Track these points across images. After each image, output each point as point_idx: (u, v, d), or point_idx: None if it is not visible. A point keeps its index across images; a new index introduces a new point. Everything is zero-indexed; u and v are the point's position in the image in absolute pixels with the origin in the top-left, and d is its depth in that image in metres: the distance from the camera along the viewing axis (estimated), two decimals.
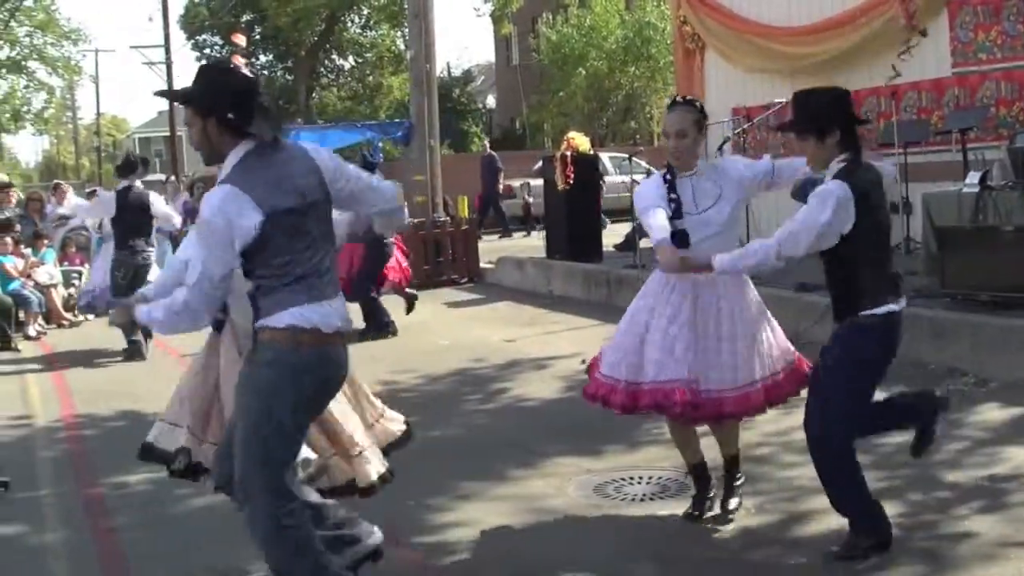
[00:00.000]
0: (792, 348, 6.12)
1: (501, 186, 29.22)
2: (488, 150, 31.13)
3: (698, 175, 5.89)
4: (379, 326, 13.43)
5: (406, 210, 5.41)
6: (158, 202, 13.31)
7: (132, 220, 12.66)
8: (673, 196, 5.82)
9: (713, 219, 5.81)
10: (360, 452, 5.55)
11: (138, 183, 12.93)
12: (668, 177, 5.89)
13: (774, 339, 6.02)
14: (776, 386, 5.93)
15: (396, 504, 6.71)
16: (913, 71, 14.63)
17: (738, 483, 6.30)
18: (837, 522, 5.64)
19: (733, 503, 6.20)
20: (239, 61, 19.67)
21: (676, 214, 5.77)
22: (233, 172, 4.48)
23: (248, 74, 4.66)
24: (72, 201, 18.81)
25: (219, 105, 4.50)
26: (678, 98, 6.06)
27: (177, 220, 14.34)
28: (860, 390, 5.34)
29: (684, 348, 5.73)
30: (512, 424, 8.84)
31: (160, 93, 4.43)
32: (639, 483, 6.96)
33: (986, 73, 13.79)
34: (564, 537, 6.14)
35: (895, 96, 14.60)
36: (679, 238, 5.64)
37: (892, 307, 5.27)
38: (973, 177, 10.55)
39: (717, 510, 6.19)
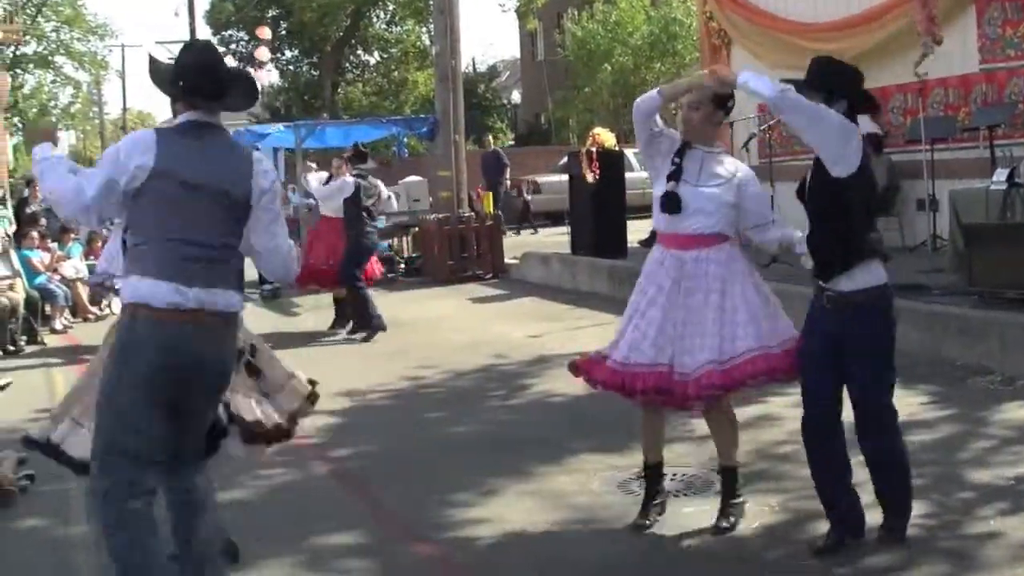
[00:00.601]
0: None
1: (509, 182, 29.17)
2: (493, 146, 31.01)
3: (713, 154, 5.88)
4: (365, 321, 13.27)
5: (291, 275, 5.38)
6: None
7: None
8: (676, 160, 5.80)
9: (709, 196, 5.77)
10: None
11: None
12: (680, 145, 5.85)
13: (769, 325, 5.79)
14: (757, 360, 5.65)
15: (420, 499, 6.74)
16: (940, 67, 14.54)
17: (735, 501, 6.01)
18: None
19: (725, 522, 5.91)
20: (262, 55, 19.83)
21: (674, 176, 5.77)
22: (166, 126, 4.83)
23: (203, 51, 4.88)
24: None
25: (173, 76, 4.74)
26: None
27: None
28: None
29: (656, 331, 5.74)
30: (536, 420, 8.84)
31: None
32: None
33: (1014, 69, 13.70)
34: (587, 533, 6.13)
35: (922, 92, 14.53)
36: (670, 200, 5.72)
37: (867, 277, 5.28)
38: (1000, 174, 10.50)
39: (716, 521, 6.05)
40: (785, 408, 8.01)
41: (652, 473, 6.15)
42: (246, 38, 48.90)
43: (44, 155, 4.73)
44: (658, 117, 5.91)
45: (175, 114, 4.84)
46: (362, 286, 13.29)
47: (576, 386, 9.75)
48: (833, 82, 5.36)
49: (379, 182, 14.39)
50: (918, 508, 5.80)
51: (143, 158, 4.50)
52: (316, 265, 13.61)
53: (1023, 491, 6.25)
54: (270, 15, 47.61)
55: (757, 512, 6.16)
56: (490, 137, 29.29)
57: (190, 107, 4.72)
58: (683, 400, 5.78)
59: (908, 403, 8.02)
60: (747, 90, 5.44)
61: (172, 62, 4.86)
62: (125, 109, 70.74)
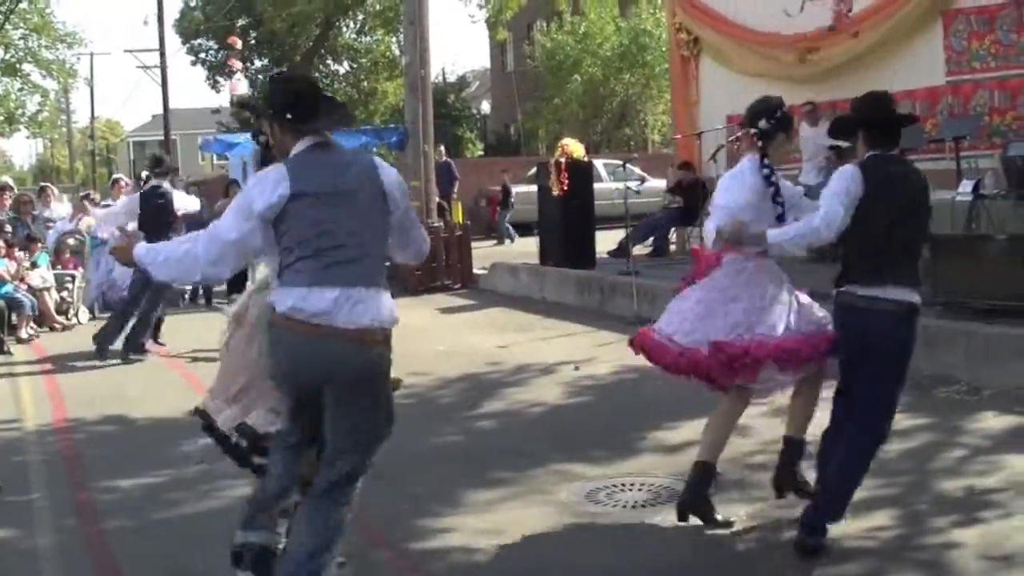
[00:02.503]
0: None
1: (455, 194, 29.04)
2: (444, 157, 30.87)
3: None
4: None
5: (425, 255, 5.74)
6: (177, 197, 13.48)
7: (154, 217, 12.82)
8: (774, 179, 6.16)
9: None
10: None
11: (165, 183, 13.18)
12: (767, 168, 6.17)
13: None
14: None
15: (394, 509, 6.73)
16: (908, 79, 14.66)
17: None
18: (834, 531, 5.66)
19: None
20: (235, 64, 19.90)
21: (777, 194, 6.14)
22: (287, 159, 4.88)
23: (304, 81, 5.14)
24: (61, 205, 18.90)
25: (278, 108, 4.94)
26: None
27: (196, 204, 14.30)
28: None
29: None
30: (506, 430, 8.83)
31: (237, 104, 5.19)
32: (631, 490, 6.96)
33: (980, 82, 13.82)
34: (552, 543, 6.14)
35: None
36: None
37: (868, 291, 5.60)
38: (966, 185, 10.58)
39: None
40: (758, 419, 8.05)
41: (710, 471, 6.29)
42: (215, 47, 48.77)
43: (151, 255, 4.97)
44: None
45: (274, 139, 5.07)
46: None
47: (545, 396, 9.81)
48: (845, 130, 5.91)
49: None
50: (890, 515, 5.83)
51: (278, 190, 4.70)
52: None
53: (993, 500, 6.30)
54: (240, 24, 47.42)
55: (735, 519, 6.19)
56: (442, 148, 29.14)
57: (299, 134, 4.92)
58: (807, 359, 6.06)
59: None
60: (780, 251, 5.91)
61: (270, 94, 5.04)
62: (93, 117, 70.21)
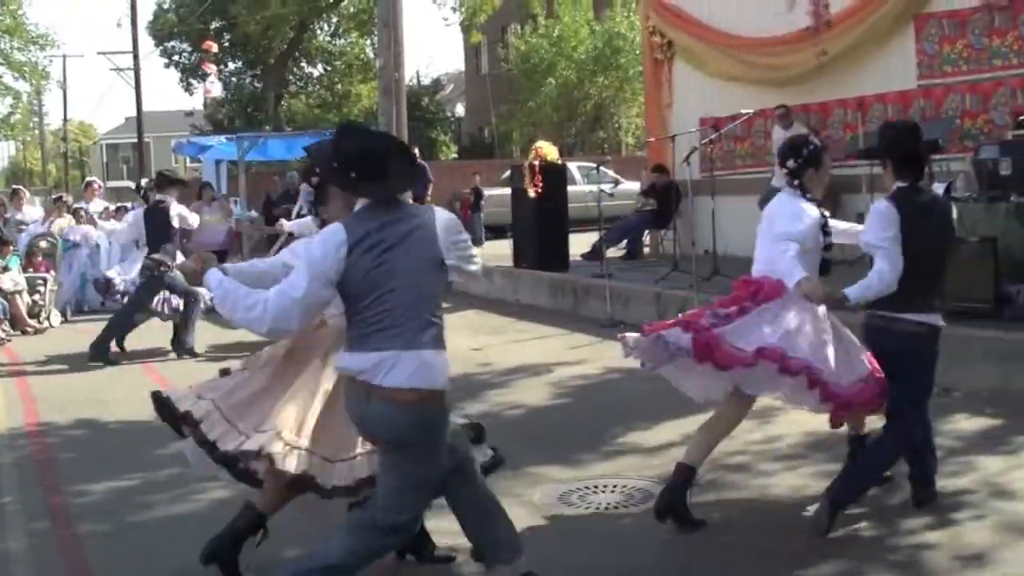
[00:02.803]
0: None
1: (429, 197, 29.04)
2: (418, 160, 30.85)
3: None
4: None
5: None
6: (180, 212, 13.36)
7: (158, 232, 12.87)
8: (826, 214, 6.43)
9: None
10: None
11: (168, 198, 13.10)
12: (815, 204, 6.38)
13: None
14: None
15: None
16: (879, 83, 14.74)
17: None
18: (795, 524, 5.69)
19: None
20: (209, 67, 19.99)
21: (825, 228, 6.34)
22: (350, 216, 4.84)
23: (376, 137, 4.94)
24: (34, 208, 18.85)
25: (342, 163, 4.75)
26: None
27: (195, 220, 14.29)
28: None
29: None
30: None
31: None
32: (604, 492, 6.96)
33: (952, 86, 13.89)
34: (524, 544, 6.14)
35: (861, 108, 14.70)
36: (824, 267, 6.37)
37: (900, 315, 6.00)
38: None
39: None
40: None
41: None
42: (189, 49, 48.60)
43: (222, 285, 4.90)
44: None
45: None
46: None
47: (518, 398, 9.81)
48: (877, 154, 6.51)
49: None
50: (864, 518, 5.86)
51: (340, 251, 4.64)
52: None
53: (967, 501, 6.33)
54: (213, 27, 47.27)
55: (712, 522, 6.20)
56: (416, 150, 29.11)
57: (360, 193, 4.88)
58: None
59: None
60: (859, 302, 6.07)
61: (335, 143, 4.83)
62: (66, 120, 69.87)
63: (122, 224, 16.01)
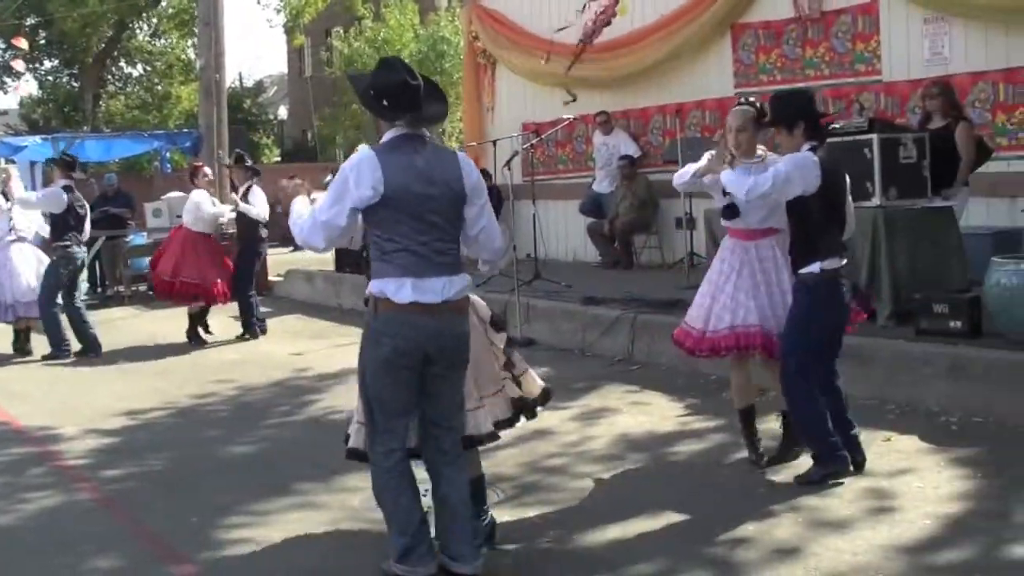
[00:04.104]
0: None
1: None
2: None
3: (759, 164, 6.81)
4: (246, 325, 13.87)
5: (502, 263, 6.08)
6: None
7: (70, 216, 12.86)
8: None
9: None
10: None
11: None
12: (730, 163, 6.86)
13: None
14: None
15: (184, 520, 6.60)
16: (698, 90, 15.02)
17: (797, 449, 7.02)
18: (620, 532, 5.72)
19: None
20: (20, 66, 19.56)
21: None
22: (381, 146, 5.22)
23: (406, 75, 5.16)
24: None
25: (374, 94, 5.20)
26: (741, 99, 7.37)
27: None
28: (805, 331, 6.53)
29: (750, 297, 6.83)
30: (300, 439, 8.69)
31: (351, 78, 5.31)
32: (425, 496, 6.89)
33: (766, 93, 14.16)
34: (343, 548, 6.10)
35: (680, 114, 14.95)
36: (729, 210, 6.85)
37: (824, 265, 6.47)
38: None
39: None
40: (561, 423, 8.12)
41: (745, 418, 7.12)
42: (1, 46, 47.07)
43: (300, 210, 5.59)
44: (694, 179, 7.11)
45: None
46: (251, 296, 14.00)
47: (339, 404, 9.71)
48: (789, 113, 6.65)
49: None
50: (680, 519, 5.94)
51: (373, 180, 5.02)
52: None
53: (775, 497, 6.43)
54: (28, 23, 45.84)
55: (526, 525, 6.19)
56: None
57: (393, 122, 5.22)
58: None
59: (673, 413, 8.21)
60: (725, 187, 6.72)
61: (372, 75, 5.23)
62: None
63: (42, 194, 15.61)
